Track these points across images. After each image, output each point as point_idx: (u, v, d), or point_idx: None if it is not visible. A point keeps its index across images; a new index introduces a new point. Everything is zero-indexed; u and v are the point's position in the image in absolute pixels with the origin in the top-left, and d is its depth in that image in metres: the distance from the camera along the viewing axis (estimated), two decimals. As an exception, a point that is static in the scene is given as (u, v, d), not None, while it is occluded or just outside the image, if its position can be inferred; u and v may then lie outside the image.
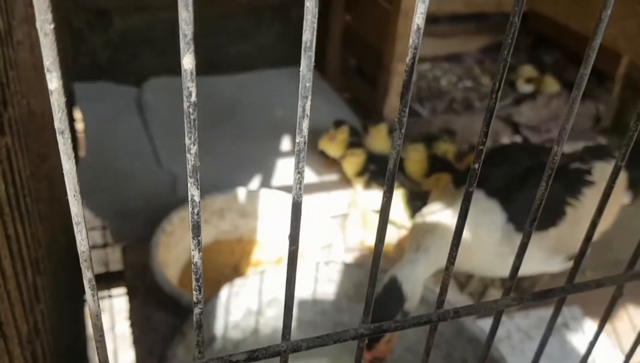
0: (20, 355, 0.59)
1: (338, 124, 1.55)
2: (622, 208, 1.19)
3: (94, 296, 0.28)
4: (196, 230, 0.29)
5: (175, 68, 1.96)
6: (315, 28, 0.25)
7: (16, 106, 0.74)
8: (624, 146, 0.38)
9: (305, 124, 0.28)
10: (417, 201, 1.37)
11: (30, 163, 0.81)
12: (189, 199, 0.28)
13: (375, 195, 1.40)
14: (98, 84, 1.87)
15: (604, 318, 0.46)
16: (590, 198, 1.10)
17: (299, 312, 1.07)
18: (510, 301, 0.40)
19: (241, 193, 1.32)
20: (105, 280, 1.46)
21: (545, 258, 1.08)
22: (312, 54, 0.26)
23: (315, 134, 1.63)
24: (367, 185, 1.42)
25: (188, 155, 0.27)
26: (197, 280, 0.31)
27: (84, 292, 1.05)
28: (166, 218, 1.22)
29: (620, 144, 0.38)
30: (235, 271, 1.29)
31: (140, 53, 1.90)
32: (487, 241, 1.04)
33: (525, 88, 1.90)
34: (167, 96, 1.81)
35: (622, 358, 1.14)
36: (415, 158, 1.50)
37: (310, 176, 1.55)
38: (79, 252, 0.27)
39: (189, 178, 0.27)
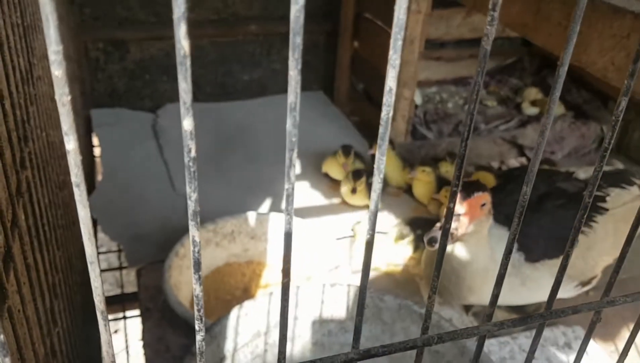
0: (38, 377, 0.63)
1: (347, 151, 1.57)
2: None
3: (105, 326, 0.31)
4: (197, 266, 0.33)
5: (188, 94, 2.02)
6: (299, 92, 0.29)
7: (36, 140, 0.78)
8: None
9: (292, 173, 0.31)
10: (421, 227, 1.39)
11: (48, 192, 0.85)
12: (190, 239, 0.32)
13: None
14: (115, 110, 1.94)
15: (585, 341, 0.49)
16: (602, 224, 1.12)
17: (306, 333, 1.09)
18: (491, 327, 0.43)
19: (251, 216, 1.35)
20: (120, 302, 1.50)
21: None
22: (297, 113, 0.29)
23: (322, 157, 1.67)
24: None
25: (189, 201, 0.30)
26: (198, 311, 0.35)
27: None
28: (179, 242, 1.26)
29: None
30: (246, 292, 1.32)
31: (155, 80, 1.96)
32: (497, 272, 1.06)
33: (530, 110, 1.93)
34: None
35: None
36: (423, 180, 1.53)
37: (316, 198, 1.59)
38: (93, 288, 0.31)
39: (190, 221, 0.31)
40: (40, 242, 0.72)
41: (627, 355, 0.52)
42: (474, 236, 1.06)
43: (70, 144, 0.26)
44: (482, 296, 1.12)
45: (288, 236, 0.33)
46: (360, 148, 1.77)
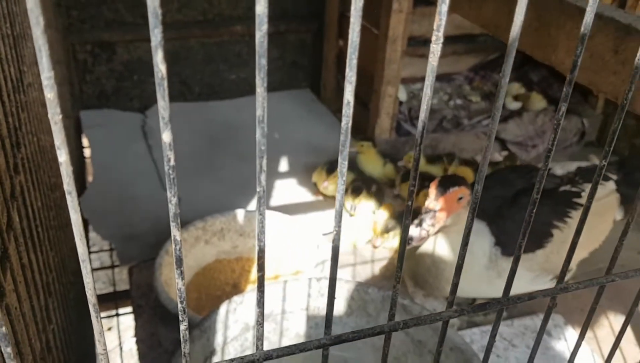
0: (35, 371, 0.66)
1: (331, 170, 1.59)
2: (616, 224, 1.24)
3: (97, 318, 0.35)
4: (179, 262, 0.36)
5: (177, 95, 2.05)
6: (266, 106, 0.32)
7: (28, 145, 0.82)
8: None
9: (263, 177, 0.35)
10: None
11: (41, 195, 0.89)
12: (172, 238, 0.35)
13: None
14: (104, 111, 1.96)
15: (542, 329, 0.52)
16: (577, 220, 1.16)
17: (294, 326, 1.13)
18: (452, 312, 0.47)
19: (240, 214, 1.39)
20: (113, 299, 1.53)
21: (533, 278, 1.14)
22: (265, 125, 0.33)
23: (309, 154, 1.71)
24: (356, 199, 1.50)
25: (170, 205, 0.34)
26: (181, 303, 0.38)
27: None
28: (169, 240, 1.29)
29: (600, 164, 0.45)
30: (235, 288, 1.36)
31: (143, 81, 1.99)
32: (475, 266, 1.10)
33: (513, 105, 1.97)
34: (171, 122, 1.89)
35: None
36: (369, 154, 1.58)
37: (304, 195, 1.62)
38: (85, 283, 0.34)
39: (171, 222, 0.34)
40: (34, 243, 0.75)
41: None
42: (453, 229, 1.10)
43: (62, 156, 0.30)
44: (461, 288, 1.16)
45: (261, 234, 0.37)
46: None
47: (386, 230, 1.44)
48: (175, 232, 0.35)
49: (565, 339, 1.25)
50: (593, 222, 1.17)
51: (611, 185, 1.24)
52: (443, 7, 0.33)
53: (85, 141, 1.86)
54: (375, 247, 1.44)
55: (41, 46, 0.27)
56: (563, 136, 1.88)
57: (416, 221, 1.00)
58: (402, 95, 1.96)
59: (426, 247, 1.15)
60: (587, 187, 1.21)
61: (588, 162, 1.35)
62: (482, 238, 1.10)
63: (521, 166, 1.41)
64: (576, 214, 1.16)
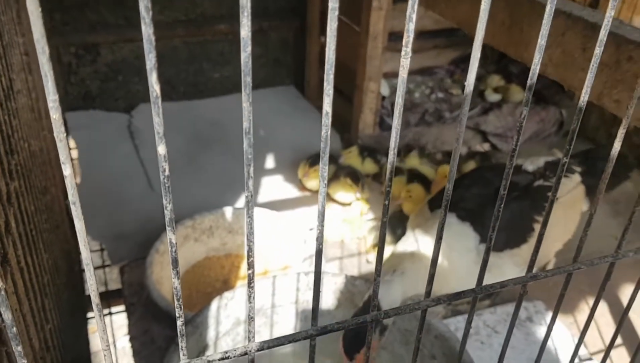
0: (35, 369, 0.69)
1: (314, 163, 1.63)
2: (583, 215, 1.29)
3: (100, 316, 0.38)
4: (175, 263, 0.39)
5: (162, 95, 2.07)
6: (252, 119, 0.36)
7: (20, 151, 0.84)
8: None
9: (251, 183, 0.38)
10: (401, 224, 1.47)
11: (34, 199, 0.91)
12: (168, 241, 0.38)
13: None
14: (89, 112, 1.98)
15: (516, 311, 0.56)
16: (554, 213, 1.19)
17: (284, 319, 1.17)
18: (429, 302, 0.50)
19: (228, 211, 1.42)
20: (105, 298, 1.55)
21: (518, 272, 1.18)
22: (251, 136, 0.36)
23: (294, 150, 1.74)
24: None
25: (165, 211, 0.37)
26: (177, 300, 0.41)
27: (85, 310, 1.17)
28: (159, 239, 1.32)
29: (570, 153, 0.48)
30: (225, 284, 1.39)
31: (128, 81, 2.00)
32: (462, 264, 1.13)
33: (493, 97, 2.02)
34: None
35: (582, 348, 1.26)
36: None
37: (290, 191, 1.65)
38: (88, 285, 0.37)
39: (167, 226, 0.37)
40: (29, 247, 0.77)
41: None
42: (432, 227, 1.14)
43: (67, 170, 0.33)
44: (453, 289, 1.19)
45: (250, 234, 0.40)
46: (331, 140, 1.84)
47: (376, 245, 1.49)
48: (171, 236, 0.38)
49: (546, 325, 1.29)
50: (564, 214, 1.22)
51: (577, 178, 1.28)
52: (410, 25, 0.36)
53: (72, 143, 1.88)
54: (369, 262, 1.47)
55: (47, 73, 0.30)
56: (542, 127, 1.92)
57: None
58: (385, 90, 2.00)
59: (409, 247, 1.18)
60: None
61: (554, 156, 1.39)
62: (467, 239, 1.13)
63: (497, 164, 1.45)
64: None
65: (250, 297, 0.44)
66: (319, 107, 2.08)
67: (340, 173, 1.58)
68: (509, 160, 0.46)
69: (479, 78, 2.15)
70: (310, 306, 1.17)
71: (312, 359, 0.50)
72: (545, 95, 1.99)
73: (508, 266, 1.16)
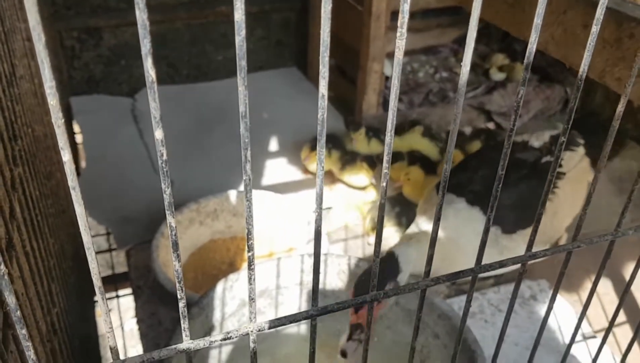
0: (42, 352, 0.70)
1: (316, 146, 1.62)
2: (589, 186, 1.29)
3: (103, 299, 0.39)
4: (175, 246, 0.40)
5: (165, 78, 2.07)
6: (247, 103, 0.36)
7: (24, 137, 0.84)
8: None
9: (248, 166, 0.38)
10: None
11: (38, 184, 0.92)
12: (168, 225, 0.39)
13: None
14: (93, 97, 1.98)
15: (515, 292, 0.57)
16: (563, 189, 1.19)
17: (288, 300, 1.18)
18: (428, 282, 0.51)
19: (232, 194, 1.42)
20: (112, 282, 1.57)
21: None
22: (247, 120, 0.36)
23: (297, 133, 1.74)
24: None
25: (164, 195, 0.37)
26: (179, 282, 0.42)
27: (92, 294, 1.18)
28: (164, 222, 1.33)
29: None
30: (231, 266, 1.40)
31: (131, 65, 2.00)
32: (472, 249, 1.12)
33: (497, 76, 2.01)
34: (160, 104, 1.91)
35: (586, 325, 1.26)
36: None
37: (294, 173, 1.66)
38: (91, 269, 0.38)
39: (166, 211, 0.38)
40: (35, 231, 0.78)
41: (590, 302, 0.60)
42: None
43: (66, 156, 0.33)
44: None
45: (249, 219, 0.40)
46: (335, 122, 1.83)
47: (374, 226, 1.49)
48: (170, 219, 0.38)
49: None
50: (572, 189, 1.21)
51: (581, 150, 1.27)
52: (405, 6, 0.36)
53: (76, 127, 1.88)
54: (369, 244, 1.47)
55: (43, 59, 0.30)
56: (547, 105, 1.91)
57: (346, 335, 0.97)
58: (388, 70, 1.99)
59: (422, 228, 1.18)
60: (566, 155, 1.24)
61: (558, 130, 1.38)
62: (477, 223, 1.11)
63: (501, 143, 1.44)
64: (561, 184, 1.19)
65: (251, 279, 0.45)
66: (323, 89, 2.07)
67: (356, 157, 1.58)
68: (506, 140, 0.47)
69: (483, 57, 2.13)
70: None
71: (313, 339, 0.50)
72: (550, 73, 1.97)
73: (521, 248, 1.15)
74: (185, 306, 0.43)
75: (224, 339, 0.45)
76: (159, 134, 0.35)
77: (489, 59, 2.10)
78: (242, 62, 0.34)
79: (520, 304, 1.31)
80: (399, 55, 0.37)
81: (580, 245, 0.55)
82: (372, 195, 1.55)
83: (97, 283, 0.39)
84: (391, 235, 1.44)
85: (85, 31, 1.90)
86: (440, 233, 1.15)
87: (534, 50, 0.42)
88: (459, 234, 1.09)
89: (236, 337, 0.46)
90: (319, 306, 0.48)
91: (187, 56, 2.05)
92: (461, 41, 2.20)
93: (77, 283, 1.28)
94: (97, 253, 1.58)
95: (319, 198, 0.42)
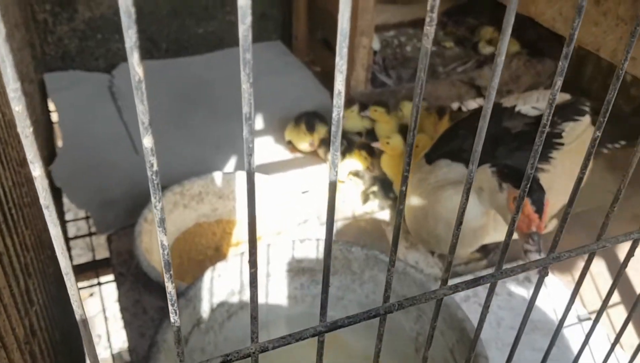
0: (20, 359, 0.65)
1: (310, 126, 1.56)
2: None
3: (86, 328, 0.33)
4: (167, 266, 0.35)
5: (144, 53, 1.98)
6: (253, 103, 0.30)
7: (-7, 123, 0.78)
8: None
9: (252, 177, 0.33)
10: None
11: (11, 173, 0.85)
12: (159, 243, 0.33)
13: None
14: (69, 73, 1.89)
15: (535, 292, 0.52)
16: (560, 160, 1.14)
17: (279, 288, 1.13)
18: (447, 290, 0.46)
19: (217, 176, 1.37)
20: (93, 268, 1.51)
21: None
22: (252, 122, 0.31)
23: (283, 110, 1.68)
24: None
25: (155, 210, 0.32)
26: (167, 271, 0.37)
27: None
28: (147, 207, 1.27)
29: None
30: (217, 251, 1.35)
31: (108, 39, 1.91)
32: (477, 218, 1.10)
33: (487, 50, 1.95)
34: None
35: (581, 307, 1.24)
36: (382, 120, 1.55)
37: (281, 153, 1.60)
38: (70, 295, 0.32)
39: (157, 227, 0.33)
40: (8, 226, 0.72)
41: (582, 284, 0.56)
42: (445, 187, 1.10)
43: (37, 171, 0.28)
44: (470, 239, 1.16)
45: (252, 226, 0.35)
46: (322, 97, 1.77)
47: (366, 200, 1.45)
48: (162, 237, 0.33)
49: (545, 286, 1.27)
50: (572, 162, 1.17)
51: (587, 119, 1.23)
52: (438, -13, 0.31)
53: (51, 105, 1.80)
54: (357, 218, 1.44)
55: (4, 57, 0.24)
56: (538, 80, 1.87)
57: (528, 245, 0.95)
58: (376, 44, 1.93)
59: (421, 204, 1.14)
60: (567, 126, 1.19)
61: (560, 99, 1.32)
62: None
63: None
64: (558, 155, 1.14)
65: (253, 297, 0.40)
66: (307, 63, 2.01)
67: (353, 145, 1.52)
68: (538, 136, 0.42)
69: (472, 30, 2.08)
70: (305, 274, 1.14)
71: (320, 355, 0.46)
72: (541, 47, 1.93)
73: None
74: (179, 330, 0.38)
75: (223, 362, 0.41)
76: (147, 141, 0.29)
77: (477, 32, 2.04)
78: (246, 55, 0.29)
79: (515, 286, 1.28)
80: (427, 44, 0.32)
81: (605, 244, 0.51)
82: (357, 165, 1.49)
83: (77, 310, 0.33)
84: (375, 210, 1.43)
85: (59, 4, 1.80)
86: (444, 192, 1.12)
87: (572, 47, 0.37)
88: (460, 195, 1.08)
89: (237, 359, 0.41)
90: (328, 322, 0.44)
91: (167, 29, 1.96)
92: (450, 13, 2.14)
93: (56, 272, 1.23)
94: (76, 237, 1.50)
95: (331, 211, 0.37)
